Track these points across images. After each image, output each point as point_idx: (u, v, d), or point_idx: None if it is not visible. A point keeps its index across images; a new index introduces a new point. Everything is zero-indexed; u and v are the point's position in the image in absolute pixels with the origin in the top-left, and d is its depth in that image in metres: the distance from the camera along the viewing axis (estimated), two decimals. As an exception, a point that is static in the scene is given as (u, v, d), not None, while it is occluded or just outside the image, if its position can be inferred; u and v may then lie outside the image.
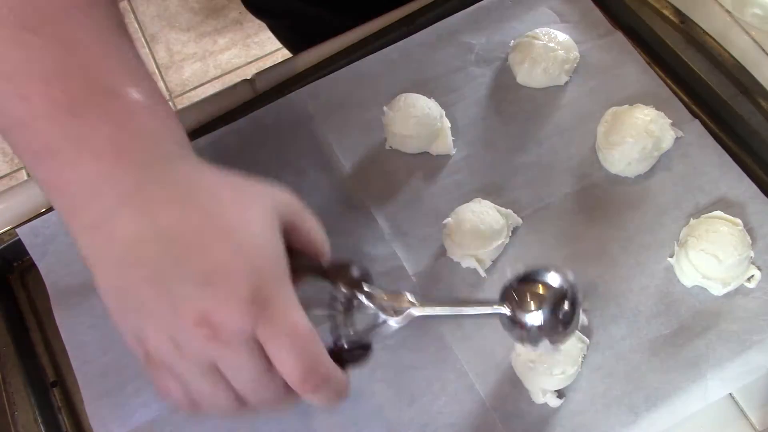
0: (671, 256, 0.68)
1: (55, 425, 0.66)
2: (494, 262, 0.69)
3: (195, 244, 0.47)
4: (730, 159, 0.71)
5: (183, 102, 2.31)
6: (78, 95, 0.48)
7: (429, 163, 0.75)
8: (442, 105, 0.76)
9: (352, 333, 0.52)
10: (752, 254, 0.65)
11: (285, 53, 1.18)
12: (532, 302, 0.52)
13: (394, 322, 0.52)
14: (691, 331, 0.64)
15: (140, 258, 0.47)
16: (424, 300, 0.53)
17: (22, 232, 0.73)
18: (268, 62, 2.32)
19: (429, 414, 0.63)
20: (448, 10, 0.83)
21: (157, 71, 2.39)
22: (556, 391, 0.62)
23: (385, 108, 0.75)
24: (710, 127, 0.73)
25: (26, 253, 0.72)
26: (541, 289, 0.53)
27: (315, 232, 0.54)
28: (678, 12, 0.76)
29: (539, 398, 0.62)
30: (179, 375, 0.47)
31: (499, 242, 0.68)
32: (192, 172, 0.51)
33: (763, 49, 0.77)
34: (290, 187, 0.51)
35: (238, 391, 0.47)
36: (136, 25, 2.49)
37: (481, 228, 0.67)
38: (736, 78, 0.71)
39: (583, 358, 0.63)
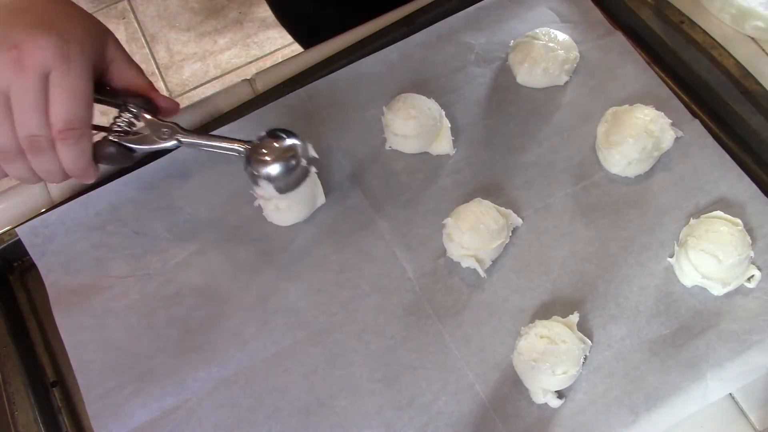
0: (671, 256, 0.68)
1: (54, 425, 0.66)
2: (494, 262, 0.69)
3: (36, 9, 0.62)
4: (730, 159, 0.71)
5: (183, 102, 2.30)
6: None
7: (429, 163, 0.75)
8: (442, 105, 0.76)
9: (122, 137, 0.67)
10: (752, 254, 0.65)
11: (285, 53, 1.18)
12: (267, 151, 0.66)
13: (160, 143, 0.68)
14: (691, 331, 0.64)
15: None
16: (189, 131, 0.69)
17: (22, 232, 0.73)
18: (268, 62, 2.32)
19: (429, 414, 0.63)
20: (448, 10, 0.83)
21: (157, 71, 2.39)
22: (556, 391, 0.62)
23: (384, 108, 0.75)
24: (710, 127, 0.74)
25: (26, 253, 0.72)
26: (276, 144, 0.67)
27: (129, 67, 0.69)
28: (678, 12, 0.76)
29: (539, 398, 0.62)
30: None
31: (499, 242, 0.68)
32: None
33: (764, 50, 0.77)
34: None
35: (17, 124, 0.60)
36: (136, 25, 2.50)
37: (480, 228, 0.67)
38: (736, 78, 0.71)
39: (585, 358, 0.63)
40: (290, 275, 0.70)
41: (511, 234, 0.70)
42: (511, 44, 0.80)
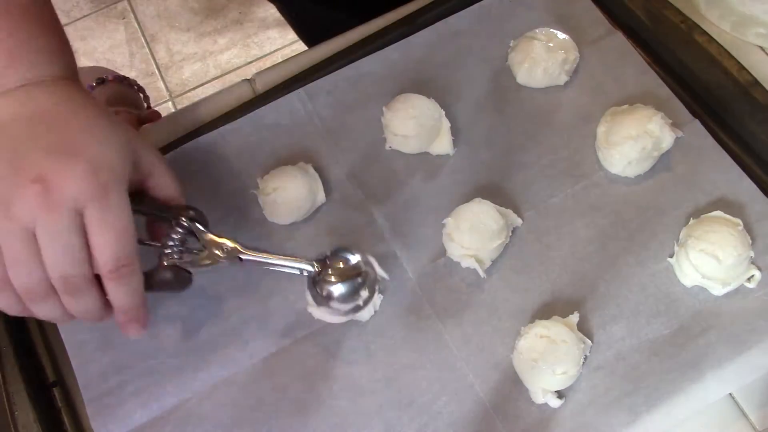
0: (671, 256, 0.68)
1: (55, 425, 0.66)
2: (494, 261, 0.69)
3: (59, 127, 0.55)
4: (730, 159, 0.71)
5: (183, 102, 2.31)
6: None
7: (429, 163, 0.75)
8: (442, 105, 0.76)
9: (177, 260, 0.61)
10: (752, 254, 0.65)
11: (285, 53, 1.19)
12: (334, 273, 0.63)
13: (218, 262, 0.62)
14: (691, 332, 0.64)
15: (5, 131, 0.54)
16: (249, 248, 0.63)
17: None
18: (268, 62, 2.32)
19: (429, 414, 0.63)
20: (448, 10, 0.83)
21: (157, 71, 2.39)
22: (556, 391, 0.62)
23: (384, 108, 0.75)
24: (710, 127, 0.73)
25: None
26: (343, 264, 0.63)
27: (168, 179, 0.62)
28: (678, 12, 0.76)
29: (539, 398, 0.62)
30: None
31: (499, 242, 0.68)
32: (73, 88, 0.59)
33: (763, 50, 0.77)
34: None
35: (47, 263, 0.52)
36: (136, 25, 2.50)
37: (480, 228, 0.67)
38: (736, 78, 0.71)
39: (585, 359, 0.63)
40: (290, 274, 0.70)
41: (511, 234, 0.70)
42: (511, 44, 0.80)
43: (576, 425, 0.62)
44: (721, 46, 0.73)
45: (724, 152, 0.72)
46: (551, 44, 0.77)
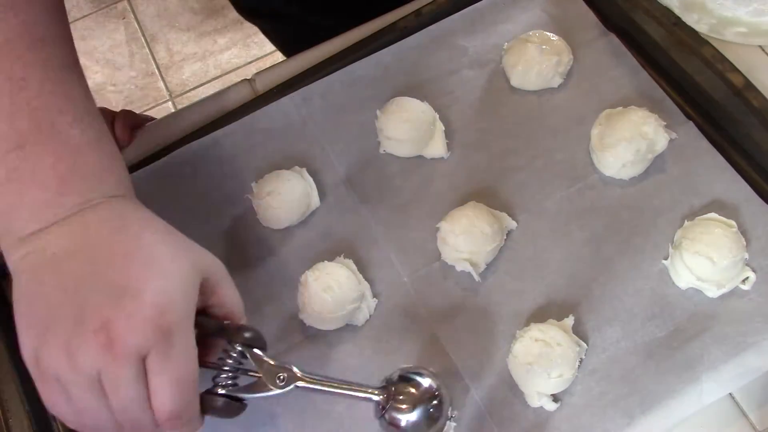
0: (666, 259, 0.68)
1: (49, 432, 0.66)
2: (489, 265, 0.69)
3: (118, 263, 0.50)
4: (724, 160, 0.71)
5: (183, 102, 2.32)
6: (25, 131, 0.52)
7: (423, 167, 0.75)
8: (436, 108, 0.76)
9: (231, 387, 0.56)
10: (747, 256, 0.65)
11: (285, 53, 1.18)
12: (404, 400, 0.57)
13: (275, 390, 0.56)
14: (686, 334, 0.64)
15: (63, 268, 0.50)
16: (309, 375, 0.56)
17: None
18: (268, 62, 2.31)
19: (424, 418, 0.63)
20: (441, 13, 0.83)
21: (157, 71, 2.39)
22: (551, 395, 0.62)
23: (378, 112, 0.75)
24: (704, 129, 0.73)
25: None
26: (414, 390, 0.57)
27: (232, 297, 0.57)
28: (671, 14, 0.76)
29: (535, 402, 0.62)
30: (66, 386, 0.49)
31: (494, 245, 0.68)
32: (128, 208, 0.55)
33: (764, 50, 0.77)
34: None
35: (115, 409, 0.50)
36: (136, 25, 2.50)
37: (475, 231, 0.67)
38: (730, 79, 0.71)
39: (580, 362, 0.63)
40: (284, 279, 0.70)
41: (505, 237, 0.70)
42: (505, 47, 0.79)
43: (571, 428, 0.62)
44: (715, 48, 0.73)
45: (718, 154, 0.72)
46: (545, 47, 0.77)
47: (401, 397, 0.57)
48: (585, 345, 0.64)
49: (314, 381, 0.57)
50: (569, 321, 0.65)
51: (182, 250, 0.54)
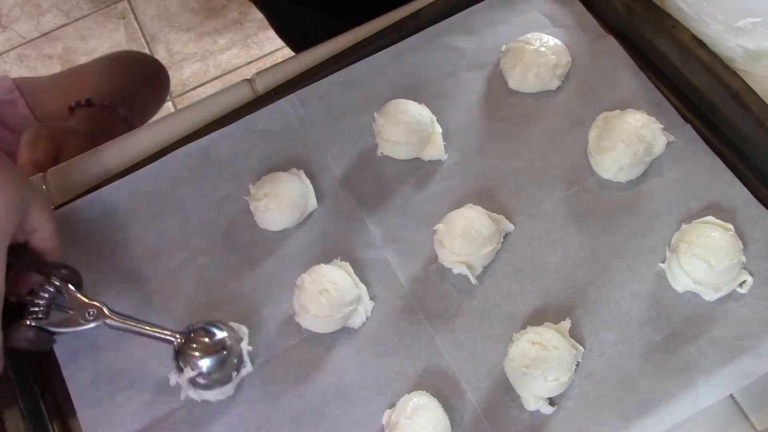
0: (663, 262, 0.67)
1: (46, 435, 0.66)
2: (486, 267, 0.69)
3: None
4: (721, 163, 0.71)
5: (183, 102, 2.31)
6: None
7: (420, 169, 0.75)
8: (434, 110, 0.76)
9: (42, 320, 0.62)
10: (744, 259, 0.65)
11: (285, 53, 1.18)
12: (197, 348, 0.63)
13: (85, 324, 0.63)
14: (683, 337, 0.64)
15: None
16: (117, 314, 0.63)
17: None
18: (268, 62, 2.32)
19: (420, 421, 0.63)
20: (439, 15, 0.83)
21: (157, 71, 2.39)
22: (548, 398, 0.62)
23: (375, 114, 0.75)
24: (702, 132, 0.73)
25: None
26: (208, 339, 0.64)
27: (51, 237, 0.64)
28: (669, 17, 0.76)
29: (531, 405, 0.62)
30: None
31: (491, 248, 0.68)
32: None
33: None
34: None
35: None
36: (136, 25, 2.50)
37: (472, 234, 0.67)
38: (727, 82, 0.71)
39: (577, 365, 0.63)
40: (281, 281, 0.70)
41: (502, 240, 0.70)
42: (503, 49, 0.79)
43: (567, 432, 0.62)
44: (713, 51, 0.73)
45: (715, 157, 0.72)
46: (543, 49, 0.77)
47: (195, 345, 0.63)
48: (582, 348, 0.64)
49: (121, 320, 0.63)
50: (566, 324, 0.65)
51: (12, 183, 0.60)
